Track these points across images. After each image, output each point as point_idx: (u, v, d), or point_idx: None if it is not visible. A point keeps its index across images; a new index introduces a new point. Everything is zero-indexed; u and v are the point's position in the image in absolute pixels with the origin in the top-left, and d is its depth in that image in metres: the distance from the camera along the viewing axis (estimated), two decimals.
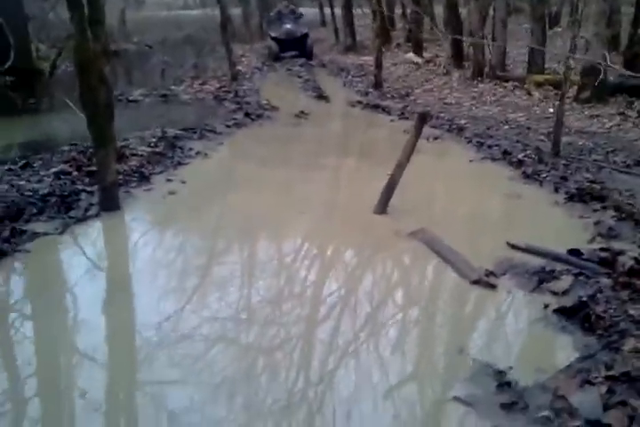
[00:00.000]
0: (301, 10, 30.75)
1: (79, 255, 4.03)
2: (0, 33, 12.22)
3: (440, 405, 2.45)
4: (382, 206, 4.56)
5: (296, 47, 15.90)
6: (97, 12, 5.59)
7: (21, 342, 2.97)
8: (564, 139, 6.44)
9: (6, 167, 5.71)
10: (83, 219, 4.48)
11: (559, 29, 16.72)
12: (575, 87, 8.69)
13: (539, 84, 9.99)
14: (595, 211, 4.57)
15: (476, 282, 3.41)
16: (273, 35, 16.05)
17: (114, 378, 2.66)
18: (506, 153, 6.25)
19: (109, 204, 4.63)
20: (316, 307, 3.29)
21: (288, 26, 15.87)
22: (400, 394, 2.53)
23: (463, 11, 13.06)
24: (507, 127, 7.73)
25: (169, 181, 5.45)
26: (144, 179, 5.43)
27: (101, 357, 2.78)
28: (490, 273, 3.51)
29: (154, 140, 6.68)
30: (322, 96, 10.29)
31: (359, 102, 9.48)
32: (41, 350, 2.89)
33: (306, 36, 16.11)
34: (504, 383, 2.48)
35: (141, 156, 6.08)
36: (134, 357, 2.84)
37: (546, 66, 11.14)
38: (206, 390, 2.51)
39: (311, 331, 3.05)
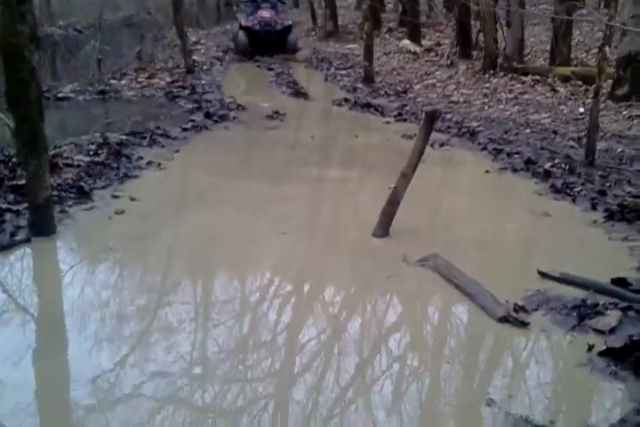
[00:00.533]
0: None
1: (4, 291, 4.03)
2: None
3: None
4: (384, 228, 4.64)
5: (274, 44, 15.04)
6: None
7: None
8: (600, 145, 6.62)
9: None
10: (8, 246, 4.48)
11: (584, 12, 17.18)
12: (610, 82, 8.93)
13: (565, 79, 10.27)
14: None
15: (503, 319, 3.49)
16: (243, 23, 14.95)
17: None
18: (529, 162, 6.41)
19: (42, 227, 4.63)
20: (294, 357, 3.31)
21: (265, 13, 14.84)
22: None
23: None
24: (528, 131, 7.92)
25: (115, 197, 5.49)
26: (84, 195, 5.46)
27: (20, 423, 2.74)
28: (520, 308, 3.59)
29: (93, 147, 6.74)
30: (300, 93, 10.47)
31: (346, 100, 9.65)
32: None
33: (288, 29, 15.23)
34: None
35: (79, 167, 6.13)
36: (62, 423, 2.82)
37: (572, 56, 11.47)
38: None
39: (286, 389, 3.05)
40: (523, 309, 3.61)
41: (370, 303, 4.02)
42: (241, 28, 14.89)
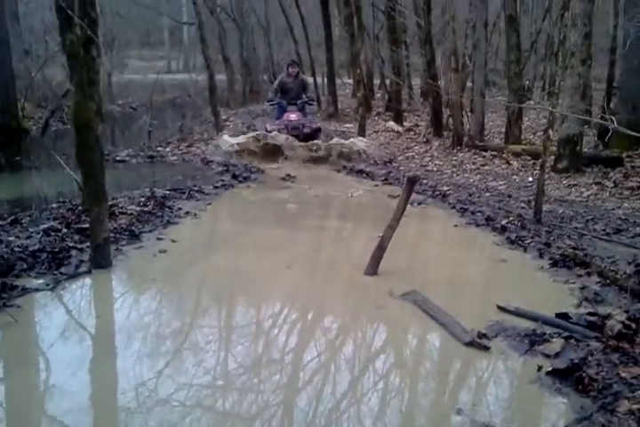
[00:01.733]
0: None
1: (68, 313, 4.02)
2: None
3: None
4: (373, 268, 4.65)
5: None
6: (93, 73, 5.82)
7: None
8: (545, 207, 6.67)
9: None
10: (74, 275, 4.49)
11: (532, 102, 17.50)
12: (552, 157, 9.05)
13: (516, 154, 10.38)
14: (579, 276, 4.71)
15: (469, 344, 3.47)
16: (269, 127, 10.69)
17: None
18: (489, 219, 6.43)
19: (101, 261, 4.65)
20: (298, 373, 3.30)
21: (292, 116, 10.72)
22: None
23: (441, 82, 13.65)
24: (488, 194, 7.98)
25: (159, 239, 5.50)
26: (134, 237, 5.47)
27: (76, 422, 2.72)
28: (482, 335, 3.58)
29: (143, 199, 6.77)
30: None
31: (344, 167, 9.73)
32: (14, 412, 2.84)
33: (317, 131, 11.03)
34: None
35: (131, 214, 6.15)
36: (110, 422, 2.81)
37: (522, 137, 11.63)
38: None
39: (295, 398, 3.02)
40: (485, 335, 3.59)
41: (361, 329, 4.01)
42: (266, 131, 10.64)
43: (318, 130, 11.10)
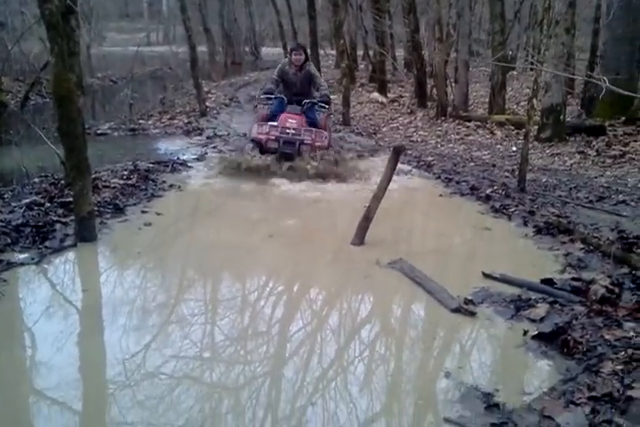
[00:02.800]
0: (264, 50, 30.80)
1: (54, 287, 3.99)
2: None
3: (432, 426, 2.51)
4: (360, 238, 4.66)
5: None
6: (72, 43, 5.70)
7: None
8: (529, 175, 6.70)
9: None
10: (59, 249, 4.45)
11: (515, 73, 17.46)
12: (536, 127, 9.07)
13: (500, 124, 10.39)
14: (563, 243, 4.76)
15: (456, 310, 3.51)
16: (253, 133, 7.30)
17: (75, 419, 2.62)
18: (473, 188, 6.46)
19: (86, 235, 4.61)
20: (291, 342, 3.31)
21: (292, 120, 7.09)
22: (391, 417, 2.59)
23: (425, 52, 13.57)
24: (472, 164, 8.00)
25: (144, 212, 5.45)
26: (119, 210, 5.42)
27: (64, 396, 2.71)
28: (469, 301, 3.62)
29: (126, 173, 6.70)
30: None
31: None
32: (2, 387, 2.83)
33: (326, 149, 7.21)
34: (492, 405, 2.57)
35: (114, 188, 6.09)
36: (98, 396, 2.80)
37: (506, 107, 11.63)
38: None
39: (282, 368, 3.03)
40: (471, 302, 3.63)
41: (348, 298, 4.03)
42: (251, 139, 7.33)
43: (325, 148, 7.11)
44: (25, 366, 3.01)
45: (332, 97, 15.65)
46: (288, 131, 6.94)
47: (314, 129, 7.11)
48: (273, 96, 7.43)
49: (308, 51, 8.49)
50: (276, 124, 7.03)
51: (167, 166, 7.21)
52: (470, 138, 9.95)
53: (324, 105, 7.40)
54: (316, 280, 4.20)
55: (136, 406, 2.61)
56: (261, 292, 4.07)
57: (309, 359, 3.08)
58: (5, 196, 5.79)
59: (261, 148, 7.02)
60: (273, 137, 6.93)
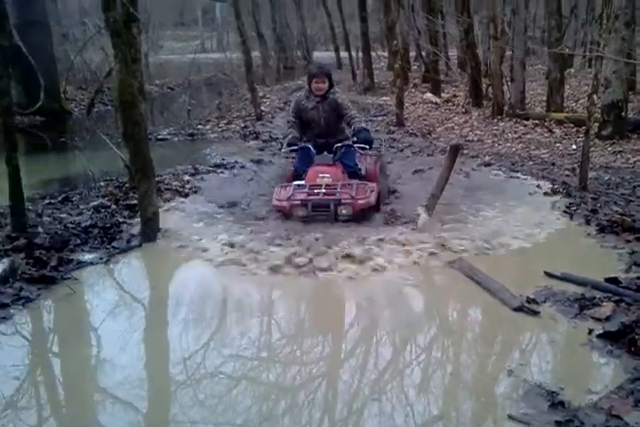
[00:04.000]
0: (316, 54, 30.93)
1: (122, 285, 4.15)
2: (31, 75, 12.74)
3: (496, 423, 2.51)
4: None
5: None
6: (135, 50, 5.90)
7: (47, 375, 3.08)
8: (590, 174, 6.55)
9: (46, 201, 5.93)
10: (126, 249, 4.63)
11: (573, 70, 17.06)
12: (596, 124, 8.84)
13: (559, 122, 10.17)
14: (627, 242, 4.64)
15: (518, 309, 3.48)
16: (278, 198, 5.06)
17: (138, 417, 2.68)
18: (538, 187, 6.35)
19: (150, 234, 4.77)
20: (347, 339, 3.35)
21: (323, 174, 5.14)
22: (454, 414, 2.59)
23: (479, 51, 13.40)
24: (531, 163, 7.86)
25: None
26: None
27: (127, 394, 2.79)
28: (531, 300, 3.58)
29: (186, 175, 6.89)
30: None
31: (383, 140, 9.66)
32: (66, 384, 2.96)
33: (372, 208, 5.07)
34: (557, 403, 2.54)
35: (176, 191, 6.27)
36: (160, 394, 2.88)
37: (564, 104, 11.37)
38: None
39: (340, 367, 3.06)
40: (534, 301, 3.59)
41: (408, 295, 4.00)
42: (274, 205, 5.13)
43: (373, 207, 5.03)
44: (91, 363, 3.13)
45: (385, 98, 15.80)
46: (317, 190, 4.88)
47: (354, 182, 5.09)
48: (297, 146, 5.40)
49: (333, 76, 5.75)
50: (302, 182, 5.08)
51: (226, 169, 7.36)
52: (528, 136, 9.77)
53: (363, 146, 5.24)
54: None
55: (196, 404, 2.69)
56: (318, 291, 4.10)
57: (367, 359, 3.11)
58: (74, 199, 6.05)
59: (288, 217, 4.98)
60: (298, 202, 4.84)
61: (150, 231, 4.75)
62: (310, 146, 5.38)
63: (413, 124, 11.43)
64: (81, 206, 5.70)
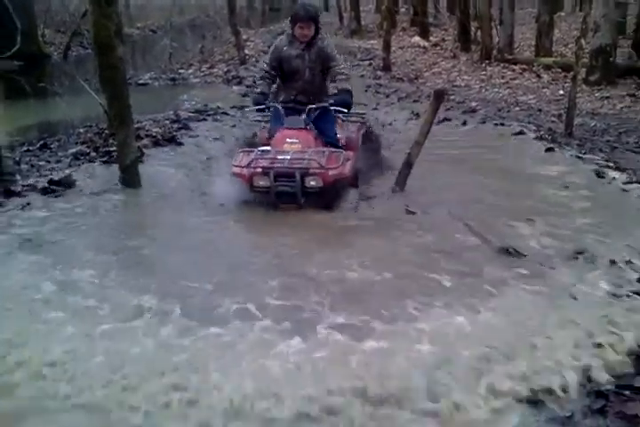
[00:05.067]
0: None
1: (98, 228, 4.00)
2: (7, 18, 12.27)
3: None
4: (401, 185, 4.58)
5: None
6: None
7: None
8: (576, 120, 6.47)
9: (24, 148, 5.78)
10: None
11: (563, 14, 16.71)
12: (584, 70, 8.70)
13: (547, 67, 10.02)
14: None
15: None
16: (237, 163, 4.08)
17: None
18: (520, 133, 6.26)
19: (129, 181, 4.66)
20: None
21: (292, 139, 4.17)
22: None
23: None
24: (517, 109, 7.76)
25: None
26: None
27: None
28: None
29: (167, 122, 6.72)
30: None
31: (369, 86, 9.48)
32: None
33: (344, 180, 4.19)
34: None
35: (155, 137, 6.12)
36: None
37: (553, 49, 11.16)
38: None
39: None
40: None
41: None
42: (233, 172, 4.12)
43: (348, 178, 4.27)
44: None
45: (372, 42, 15.40)
46: (283, 157, 4.05)
47: (326, 149, 4.24)
48: (265, 105, 4.51)
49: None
50: (268, 148, 4.25)
51: (208, 116, 7.19)
52: (516, 82, 9.63)
53: (340, 109, 4.39)
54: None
55: None
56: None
57: None
58: (52, 146, 5.91)
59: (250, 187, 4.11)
60: (259, 170, 4.02)
61: (129, 178, 4.64)
62: (279, 106, 4.44)
63: (400, 69, 11.21)
64: (59, 154, 5.57)
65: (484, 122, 6.86)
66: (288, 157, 4.01)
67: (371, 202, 4.29)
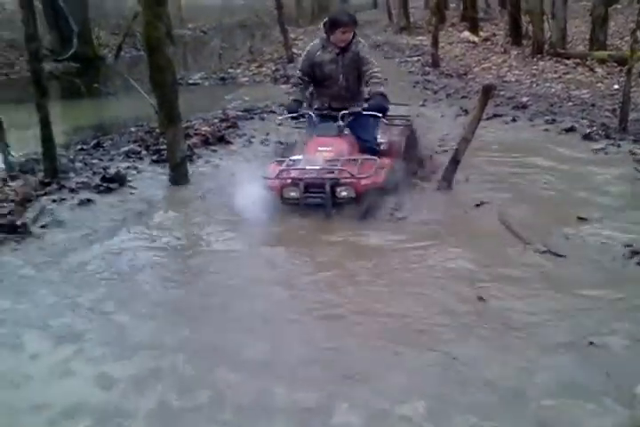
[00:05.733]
0: None
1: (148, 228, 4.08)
2: (64, 22, 12.65)
3: None
4: (448, 182, 4.53)
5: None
6: None
7: None
8: (631, 115, 6.25)
9: (79, 147, 5.96)
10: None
11: (619, 6, 16.16)
12: None
13: (601, 61, 9.70)
14: None
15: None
16: (269, 173, 3.99)
17: None
18: (571, 129, 6.10)
19: (178, 179, 4.75)
20: None
21: (324, 148, 4.07)
22: None
23: None
24: (570, 104, 7.54)
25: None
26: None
27: None
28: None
29: (216, 121, 6.81)
30: None
31: (417, 82, 9.39)
32: None
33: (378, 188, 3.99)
34: None
35: (204, 136, 6.20)
36: None
37: (608, 43, 10.81)
38: None
39: None
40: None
41: None
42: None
43: (390, 185, 4.11)
44: None
45: (421, 38, 15.21)
46: (313, 167, 3.90)
47: (359, 157, 4.08)
48: (299, 113, 4.40)
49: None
50: (300, 157, 4.10)
51: (255, 115, 7.25)
52: (568, 76, 9.36)
53: (375, 114, 4.18)
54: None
55: None
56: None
57: None
58: (105, 145, 6.06)
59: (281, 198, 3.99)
60: (289, 180, 3.90)
61: (179, 176, 4.73)
62: (312, 112, 4.33)
63: (449, 65, 11.06)
64: (112, 152, 5.71)
65: (534, 118, 6.71)
66: (318, 167, 3.87)
67: (411, 211, 4.03)
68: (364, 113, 4.20)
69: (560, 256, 3.33)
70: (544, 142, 5.79)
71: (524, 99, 7.82)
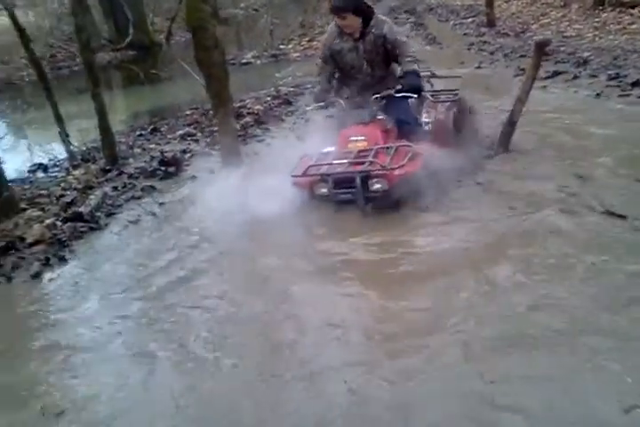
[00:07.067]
0: None
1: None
2: (120, 11, 12.87)
3: None
4: (504, 145, 4.36)
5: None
6: None
7: None
8: None
9: (137, 133, 6.09)
10: None
11: None
12: None
13: None
14: None
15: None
16: (298, 171, 3.60)
17: None
18: (636, 84, 5.74)
19: (232, 160, 4.76)
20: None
21: (358, 139, 3.74)
22: None
23: None
24: (635, 56, 7.09)
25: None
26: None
27: None
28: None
29: (268, 98, 6.81)
30: (434, 41, 9.91)
31: (472, 44, 9.06)
32: None
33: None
34: None
35: (257, 114, 6.22)
36: None
37: None
38: None
39: None
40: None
41: None
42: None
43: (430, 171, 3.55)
44: None
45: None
46: (342, 160, 3.59)
47: (393, 145, 3.68)
48: (326, 102, 4.03)
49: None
50: (331, 149, 3.79)
51: (306, 89, 7.19)
52: (634, 27, 8.80)
53: (409, 95, 3.83)
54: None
55: None
56: None
57: None
58: (162, 129, 6.17)
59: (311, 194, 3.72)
60: (318, 178, 3.61)
61: (230, 157, 4.74)
62: (341, 102, 3.94)
63: (505, 24, 10.61)
64: (169, 136, 5.81)
65: (598, 73, 6.36)
66: (347, 160, 3.54)
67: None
68: (396, 95, 3.82)
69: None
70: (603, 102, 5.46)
71: (586, 53, 7.40)
